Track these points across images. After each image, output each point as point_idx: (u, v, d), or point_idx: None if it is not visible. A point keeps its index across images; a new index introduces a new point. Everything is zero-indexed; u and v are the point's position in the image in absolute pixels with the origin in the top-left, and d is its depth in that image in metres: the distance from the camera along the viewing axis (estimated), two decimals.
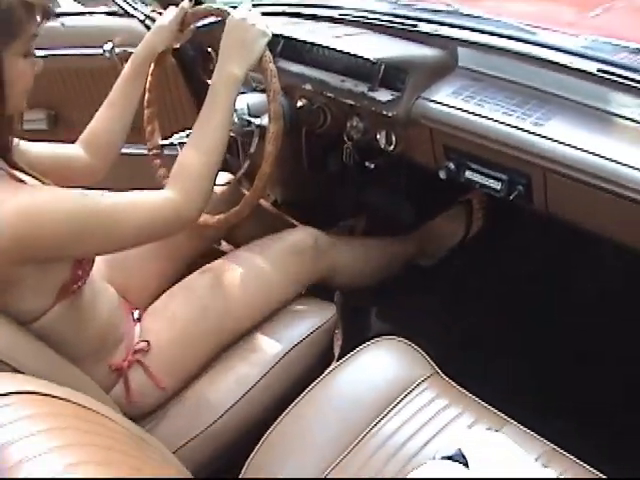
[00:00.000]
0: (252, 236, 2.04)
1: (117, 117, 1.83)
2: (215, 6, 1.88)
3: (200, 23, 1.99)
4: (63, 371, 1.42)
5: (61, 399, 1.00)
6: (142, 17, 2.48)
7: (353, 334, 1.99)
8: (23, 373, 1.25)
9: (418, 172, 2.01)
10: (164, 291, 1.86)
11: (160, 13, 2.44)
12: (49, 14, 1.38)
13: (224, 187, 2.11)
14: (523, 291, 2.39)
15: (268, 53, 1.75)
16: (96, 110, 2.34)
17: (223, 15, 1.81)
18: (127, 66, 1.86)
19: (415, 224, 2.50)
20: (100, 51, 2.48)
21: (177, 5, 1.94)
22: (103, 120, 1.84)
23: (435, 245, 2.48)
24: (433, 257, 2.49)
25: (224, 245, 2.19)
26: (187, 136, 2.02)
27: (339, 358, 2.05)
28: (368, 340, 1.72)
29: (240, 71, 1.69)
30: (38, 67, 1.40)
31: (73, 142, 1.81)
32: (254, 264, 1.89)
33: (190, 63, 2.52)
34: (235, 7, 1.84)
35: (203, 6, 1.92)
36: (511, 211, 2.36)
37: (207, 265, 1.89)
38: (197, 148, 1.61)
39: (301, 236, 2.00)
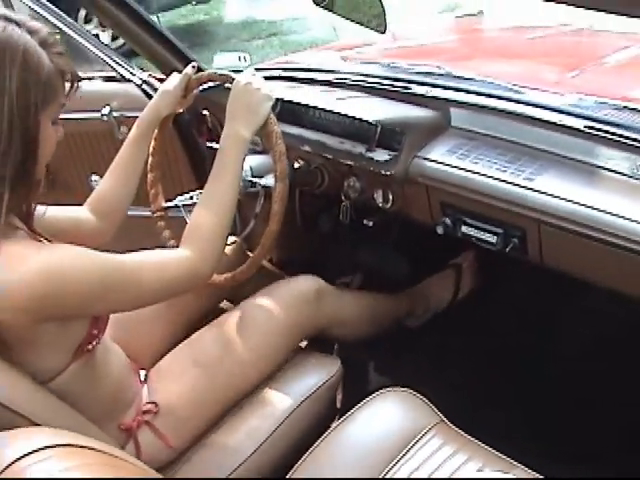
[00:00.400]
0: (253, 294, 2.04)
1: (123, 180, 1.88)
2: (219, 72, 1.94)
3: (201, 87, 2.04)
4: (81, 427, 1.44)
5: (95, 450, 1.03)
6: (139, 82, 2.54)
7: (353, 386, 2.03)
8: None
9: (412, 229, 2.07)
10: (168, 350, 1.88)
11: (159, 79, 2.52)
12: (77, 83, 1.42)
13: (228, 247, 2.15)
14: (517, 341, 2.42)
15: (272, 116, 1.80)
16: (92, 173, 2.38)
17: (226, 80, 1.87)
18: (133, 130, 1.91)
19: (410, 281, 2.54)
20: (98, 115, 2.56)
21: (176, 70, 2.01)
22: (110, 183, 1.88)
23: (422, 307, 2.50)
24: (420, 318, 2.50)
25: (226, 304, 2.22)
26: (191, 198, 2.07)
27: (342, 409, 2.10)
28: (369, 392, 1.75)
29: (247, 133, 1.74)
30: (60, 134, 1.44)
31: (70, 204, 1.83)
32: (259, 315, 1.91)
33: (186, 125, 2.57)
34: (237, 72, 1.91)
35: (207, 72, 1.97)
36: (500, 265, 2.42)
37: (212, 322, 1.91)
38: (209, 208, 1.66)
39: (305, 282, 2.03)
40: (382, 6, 1.54)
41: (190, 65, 1.97)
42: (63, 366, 1.46)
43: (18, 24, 1.31)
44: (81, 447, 1.02)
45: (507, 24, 3.43)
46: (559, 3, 1.03)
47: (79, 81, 1.43)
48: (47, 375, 1.44)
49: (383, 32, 1.59)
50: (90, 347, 1.50)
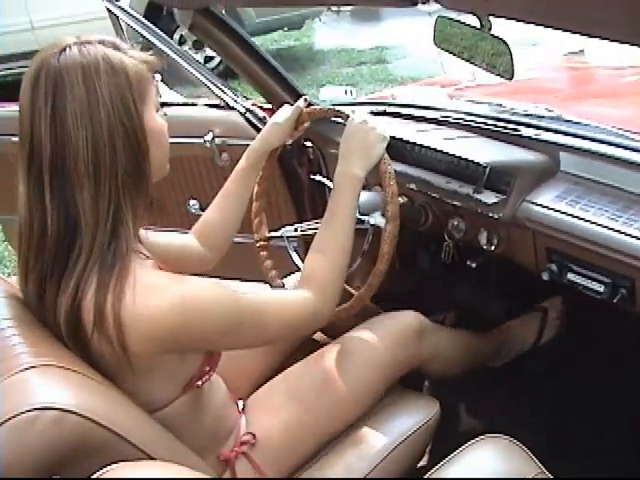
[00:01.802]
0: (348, 328, 2.02)
1: (231, 209, 1.90)
2: (330, 107, 1.95)
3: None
4: (188, 458, 1.45)
5: None
6: (243, 110, 2.56)
7: (444, 428, 2.01)
8: (154, 459, 1.27)
9: (511, 270, 2.05)
10: (265, 380, 1.88)
11: (263, 107, 2.55)
12: (158, 70, 1.46)
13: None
14: (600, 390, 2.38)
15: (386, 155, 1.80)
16: (191, 197, 2.39)
17: (340, 116, 1.88)
18: (242, 161, 1.93)
19: (503, 322, 2.52)
20: (200, 140, 2.59)
21: (283, 101, 2.03)
22: (218, 211, 1.90)
23: (506, 348, 2.45)
24: (501, 360, 2.45)
25: (319, 335, 2.22)
26: (295, 230, 2.09)
27: (433, 450, 2.07)
28: (460, 433, 1.73)
29: (362, 173, 1.74)
30: (164, 118, 1.46)
31: (166, 227, 1.85)
32: (360, 350, 1.88)
33: (287, 156, 2.58)
34: (342, 105, 1.92)
35: (320, 107, 1.98)
36: (588, 313, 2.38)
37: (310, 355, 1.89)
38: (326, 249, 1.66)
39: (408, 318, 2.01)
40: (509, 49, 1.52)
41: (302, 98, 1.99)
42: (171, 399, 1.47)
43: (88, 42, 1.33)
44: None
45: (608, 64, 3.39)
46: (584, 35, 1.02)
47: (160, 105, 1.46)
48: (154, 406, 1.45)
49: (510, 79, 1.57)
50: (200, 383, 1.51)
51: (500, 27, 1.51)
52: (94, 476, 1.02)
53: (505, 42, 1.54)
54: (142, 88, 1.36)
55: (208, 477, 1.18)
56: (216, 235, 1.90)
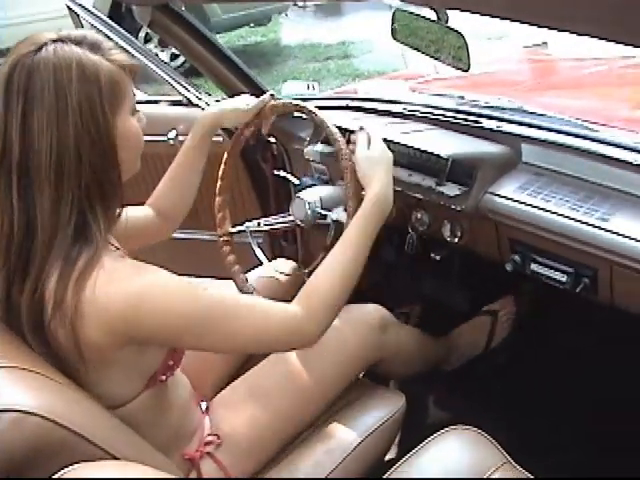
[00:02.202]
0: None
1: (182, 178, 1.90)
2: (296, 102, 1.94)
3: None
4: (152, 457, 1.44)
5: None
6: (205, 107, 2.54)
7: (411, 420, 2.02)
8: (117, 458, 1.26)
9: (476, 262, 2.06)
10: (229, 380, 1.88)
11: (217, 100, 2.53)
12: (136, 73, 1.44)
13: (289, 276, 2.16)
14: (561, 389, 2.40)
15: (348, 151, 1.80)
16: None
17: (302, 111, 1.88)
18: (193, 134, 1.92)
19: (470, 312, 2.53)
20: (164, 138, 2.58)
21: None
22: (170, 181, 1.92)
23: (456, 354, 2.46)
24: (452, 365, 2.46)
25: None
26: (258, 225, 2.08)
27: (401, 444, 2.08)
28: (428, 426, 1.73)
29: (391, 198, 1.70)
30: (142, 122, 1.46)
31: None
32: (322, 343, 1.77)
33: (251, 152, 2.58)
34: (306, 99, 1.92)
35: (283, 102, 1.97)
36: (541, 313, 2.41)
37: (271, 355, 1.86)
38: (334, 271, 1.58)
39: (371, 311, 2.02)
40: (465, 41, 1.52)
41: (269, 93, 1.97)
42: (134, 394, 1.46)
43: (63, 41, 1.32)
44: None
45: (570, 55, 3.41)
46: (561, 31, 1.02)
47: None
48: (117, 402, 1.44)
49: (467, 70, 1.57)
50: (163, 378, 1.50)
51: (465, 21, 1.51)
52: (55, 477, 1.02)
53: (461, 34, 1.54)
54: (115, 94, 1.35)
55: (172, 477, 1.17)
56: (169, 205, 1.90)
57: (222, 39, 8.87)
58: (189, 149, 1.91)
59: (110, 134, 1.34)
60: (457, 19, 1.52)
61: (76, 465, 1.04)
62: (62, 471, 1.03)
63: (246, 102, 1.95)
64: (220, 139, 2.45)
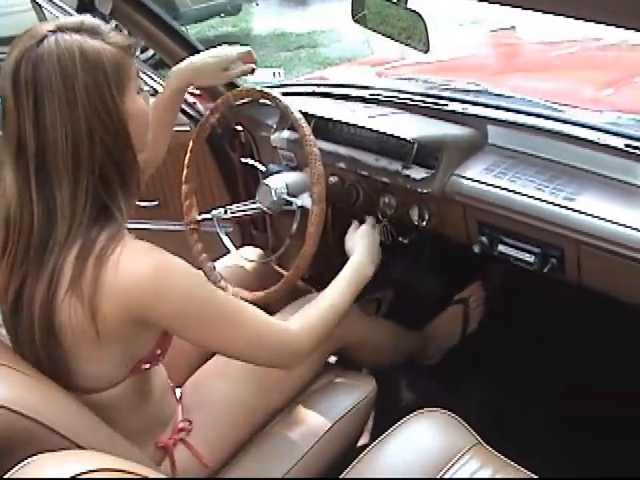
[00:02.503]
0: (278, 309, 2.02)
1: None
2: (260, 88, 1.93)
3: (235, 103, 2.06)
4: (119, 445, 1.43)
5: (131, 473, 1.03)
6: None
7: (385, 404, 2.02)
8: (83, 448, 1.26)
9: (445, 244, 2.05)
10: (199, 365, 1.88)
11: (191, 93, 2.52)
12: (135, 51, 1.46)
13: (256, 264, 2.15)
14: (538, 366, 2.41)
15: (312, 137, 1.79)
16: None
17: (267, 97, 1.88)
18: (164, 87, 1.94)
19: (442, 297, 2.53)
20: None
21: None
22: None
23: (433, 347, 2.46)
24: (432, 358, 2.47)
25: None
26: (225, 212, 2.07)
27: (374, 428, 2.08)
28: (401, 410, 1.74)
29: (371, 273, 1.89)
30: (147, 100, 1.49)
31: None
32: None
33: (218, 140, 2.57)
34: (270, 87, 1.91)
35: (246, 87, 1.96)
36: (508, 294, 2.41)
37: None
38: (324, 305, 1.70)
39: None
40: (424, 24, 1.51)
41: (251, 66, 1.95)
42: (119, 379, 1.47)
43: (62, 30, 1.33)
44: (122, 471, 1.02)
45: (540, 39, 3.41)
46: (547, 13, 1.02)
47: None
48: (103, 385, 1.46)
49: (426, 52, 1.57)
50: (148, 366, 1.52)
51: (436, 7, 1.50)
52: (15, 468, 1.01)
53: (420, 14, 1.54)
54: (121, 76, 1.37)
55: (139, 465, 1.15)
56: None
57: (193, 30, 8.83)
58: (158, 101, 1.92)
59: (120, 115, 1.37)
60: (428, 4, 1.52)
61: (39, 455, 1.03)
62: (24, 462, 1.01)
63: (227, 55, 1.92)
64: (187, 128, 2.44)
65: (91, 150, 1.32)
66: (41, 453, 1.04)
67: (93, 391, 1.44)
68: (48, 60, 1.30)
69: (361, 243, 1.92)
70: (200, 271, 1.46)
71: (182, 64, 1.91)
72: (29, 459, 1.01)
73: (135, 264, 1.32)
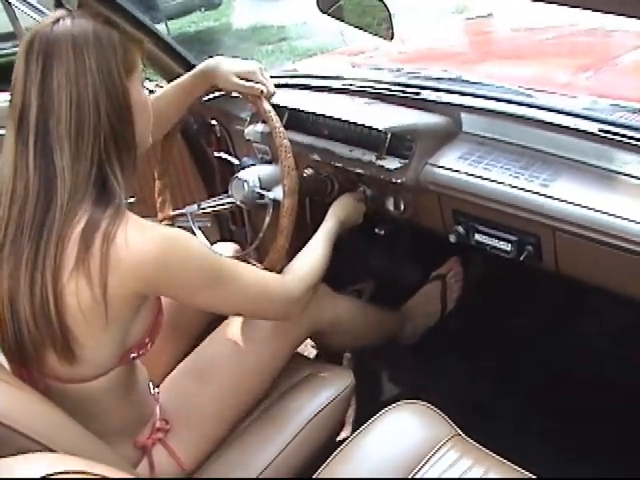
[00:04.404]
0: None
1: (160, 110, 1.85)
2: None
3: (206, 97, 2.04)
4: (92, 447, 1.42)
5: (95, 475, 1.01)
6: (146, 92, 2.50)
7: (365, 396, 2.00)
8: (54, 450, 1.25)
9: (423, 234, 2.04)
10: (177, 362, 1.87)
11: (161, 86, 2.49)
12: (144, 52, 1.51)
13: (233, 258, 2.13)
14: (517, 347, 2.41)
15: (282, 129, 1.78)
16: None
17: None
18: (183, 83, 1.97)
19: (420, 285, 2.51)
20: None
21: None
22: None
23: (411, 326, 2.43)
24: (412, 337, 2.44)
25: None
26: (199, 207, 2.05)
27: (354, 420, 2.07)
28: (381, 402, 1.73)
29: (336, 223, 1.96)
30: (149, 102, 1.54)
31: None
32: (256, 321, 1.88)
33: (194, 135, 2.56)
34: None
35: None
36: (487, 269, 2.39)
37: (214, 332, 1.89)
38: (309, 257, 1.81)
39: None
40: (389, 12, 1.50)
41: (263, 89, 1.92)
42: (108, 368, 1.48)
43: (82, 15, 1.40)
44: (85, 473, 1.00)
45: (517, 26, 3.40)
46: (549, 3, 1.00)
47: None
48: (93, 372, 1.46)
49: (390, 39, 1.55)
50: (135, 355, 1.53)
51: None
52: None
53: (385, 4, 1.53)
54: (129, 61, 1.42)
55: (108, 467, 1.13)
56: None
57: (174, 25, 8.79)
58: (175, 85, 1.98)
59: (126, 93, 1.41)
60: None
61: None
62: None
63: (251, 73, 1.92)
64: None
65: (96, 121, 1.35)
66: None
67: (80, 380, 1.44)
68: (62, 34, 1.35)
69: (337, 201, 2.02)
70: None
71: (212, 61, 1.95)
72: None
73: (144, 239, 1.34)
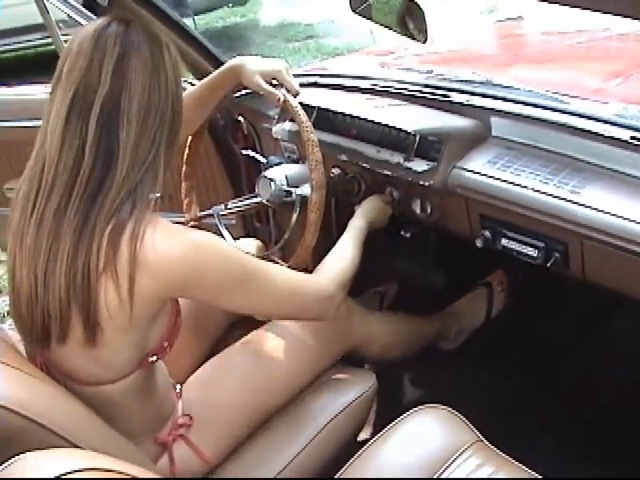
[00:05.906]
0: None
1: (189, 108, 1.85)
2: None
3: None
4: (116, 444, 1.43)
5: (121, 473, 1.01)
6: None
7: (388, 399, 1.99)
8: (81, 447, 1.25)
9: (449, 239, 2.03)
10: (200, 362, 1.87)
11: (192, 84, 2.50)
12: None
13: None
14: (553, 360, 2.39)
15: (309, 124, 1.78)
16: None
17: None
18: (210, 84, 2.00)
19: (445, 293, 2.50)
20: None
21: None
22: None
23: (455, 329, 2.46)
24: (454, 341, 2.46)
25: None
26: (226, 207, 2.05)
27: (376, 424, 2.06)
28: (403, 406, 1.72)
29: (363, 224, 1.95)
30: None
31: None
32: (292, 332, 1.89)
33: (221, 132, 2.55)
34: None
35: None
36: (533, 282, 2.38)
37: (246, 337, 1.89)
38: (340, 257, 1.80)
39: None
40: (423, 15, 1.49)
41: (285, 91, 1.91)
42: (128, 371, 1.48)
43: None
44: (111, 471, 1.00)
45: (547, 29, 3.37)
46: (564, 5, 0.99)
47: None
48: (114, 376, 1.47)
49: (424, 42, 1.54)
50: (154, 359, 1.54)
51: None
52: (1, 466, 0.99)
53: (419, 5, 1.52)
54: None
55: (131, 465, 1.14)
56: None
57: (201, 21, 8.81)
58: (202, 84, 2.01)
59: (180, 86, 1.46)
60: None
61: (22, 455, 1.01)
62: (9, 461, 1.00)
63: (276, 72, 1.93)
64: None
65: (163, 111, 1.39)
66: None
67: (99, 382, 1.45)
68: (134, 30, 1.38)
69: (366, 201, 2.01)
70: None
71: (240, 59, 1.96)
72: (16, 457, 1.00)
73: (172, 243, 1.35)
